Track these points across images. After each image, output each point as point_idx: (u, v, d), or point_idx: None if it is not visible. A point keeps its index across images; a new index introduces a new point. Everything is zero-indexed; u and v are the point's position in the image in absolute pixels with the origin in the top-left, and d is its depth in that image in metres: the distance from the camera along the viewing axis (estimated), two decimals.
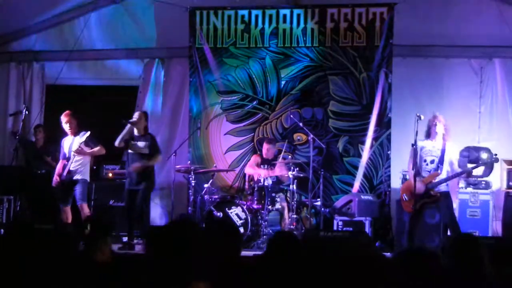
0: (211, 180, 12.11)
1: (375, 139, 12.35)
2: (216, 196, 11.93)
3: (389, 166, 12.32)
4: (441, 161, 9.86)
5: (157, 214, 12.96)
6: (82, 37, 13.10)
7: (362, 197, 11.81)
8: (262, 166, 12.01)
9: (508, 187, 11.38)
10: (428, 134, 9.99)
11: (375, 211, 11.87)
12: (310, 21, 12.69)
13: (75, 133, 11.21)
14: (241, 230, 11.11)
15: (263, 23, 12.88)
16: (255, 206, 11.49)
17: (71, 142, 11.18)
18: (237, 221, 11.23)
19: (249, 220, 11.19)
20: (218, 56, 13.03)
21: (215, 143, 13.08)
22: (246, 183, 12.50)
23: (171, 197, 12.09)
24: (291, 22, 12.79)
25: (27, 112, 12.39)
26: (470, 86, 12.37)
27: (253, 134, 12.95)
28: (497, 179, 11.59)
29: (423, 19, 12.47)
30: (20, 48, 14.14)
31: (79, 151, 11.08)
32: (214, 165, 12.71)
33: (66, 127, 11.23)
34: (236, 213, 11.35)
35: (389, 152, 12.32)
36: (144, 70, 13.69)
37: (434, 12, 12.46)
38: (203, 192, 11.91)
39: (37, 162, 12.84)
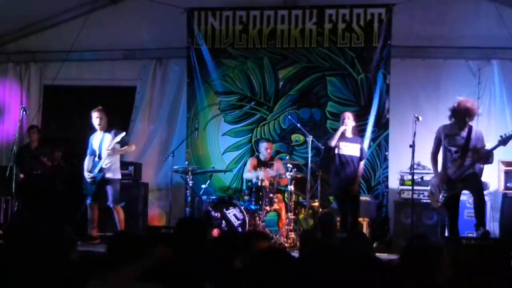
0: (208, 181, 12.10)
1: (373, 140, 12.35)
2: (214, 197, 11.93)
3: (387, 167, 12.32)
4: (465, 149, 9.66)
5: (155, 215, 12.95)
6: (80, 38, 13.06)
7: (360, 197, 11.79)
8: (258, 168, 12.04)
9: (506, 188, 11.37)
10: (454, 119, 9.77)
11: (372, 212, 11.88)
12: (308, 22, 12.69)
13: (105, 130, 11.23)
14: (239, 230, 11.11)
15: (261, 24, 12.87)
16: (252, 207, 11.48)
17: (101, 139, 11.17)
18: (235, 221, 11.23)
19: (247, 220, 11.18)
20: (216, 56, 13.03)
21: (213, 144, 13.07)
22: (244, 184, 12.50)
23: (168, 198, 12.10)
24: (289, 23, 12.77)
25: (25, 113, 12.37)
26: (468, 88, 12.34)
27: (251, 135, 12.94)
28: (494, 180, 11.58)
29: (421, 20, 12.49)
30: (18, 49, 14.14)
31: (113, 151, 11.09)
32: (212, 165, 12.71)
33: (96, 122, 11.26)
34: (233, 213, 11.34)
35: (387, 153, 12.32)
36: (142, 70, 13.68)
37: (432, 13, 12.47)
38: (201, 192, 11.91)
39: (33, 163, 12.78)
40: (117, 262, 4.29)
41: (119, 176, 11.35)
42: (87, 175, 11.18)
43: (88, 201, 11.25)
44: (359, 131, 11.50)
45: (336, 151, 10.79)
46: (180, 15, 13.02)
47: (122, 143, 11.19)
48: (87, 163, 11.34)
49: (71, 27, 13.44)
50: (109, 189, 11.11)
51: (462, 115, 9.68)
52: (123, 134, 11.11)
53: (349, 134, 10.89)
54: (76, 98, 14.04)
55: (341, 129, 10.78)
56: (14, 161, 11.85)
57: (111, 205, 11.09)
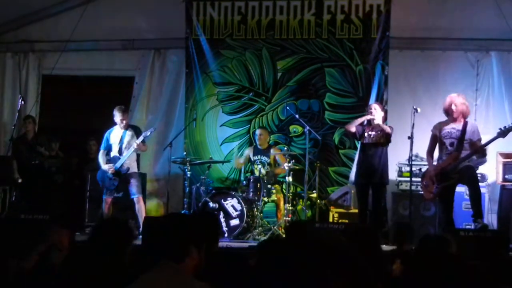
0: (206, 172, 12.10)
1: None
2: (212, 188, 11.93)
3: None
4: (460, 142, 9.66)
5: (152, 205, 12.94)
6: (78, 28, 13.03)
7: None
8: (255, 156, 12.08)
9: (504, 180, 11.37)
10: (447, 115, 9.87)
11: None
12: (307, 13, 12.67)
13: (127, 127, 11.38)
14: (237, 221, 11.13)
15: (260, 14, 12.86)
16: (250, 198, 11.49)
17: (122, 136, 11.30)
18: (233, 212, 11.23)
19: (245, 211, 11.17)
20: (215, 47, 13.01)
21: (211, 134, 13.07)
22: (242, 175, 12.51)
23: (166, 188, 12.10)
24: (288, 14, 12.75)
25: (23, 103, 12.36)
26: (467, 79, 12.37)
27: (249, 125, 12.93)
28: (492, 172, 11.59)
29: (420, 11, 12.48)
30: (17, 39, 14.11)
31: (139, 147, 11.28)
32: (210, 156, 12.71)
33: (119, 121, 11.35)
34: (231, 204, 11.34)
35: None
36: (140, 61, 13.66)
37: (431, 5, 12.45)
38: (199, 183, 11.91)
39: (30, 153, 12.72)
40: None
41: (137, 169, 11.61)
42: (107, 167, 11.24)
43: (104, 196, 11.32)
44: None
45: (361, 140, 10.77)
46: (179, 5, 12.99)
47: (143, 141, 11.31)
48: (101, 157, 11.41)
49: (70, 17, 13.41)
50: (133, 181, 11.28)
51: (447, 108, 9.78)
52: (148, 133, 11.31)
53: (378, 123, 10.79)
54: (74, 88, 14.02)
55: (364, 118, 10.70)
56: (12, 151, 11.89)
57: (136, 196, 11.23)
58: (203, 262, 3.99)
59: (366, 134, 10.65)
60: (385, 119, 11.09)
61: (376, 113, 10.71)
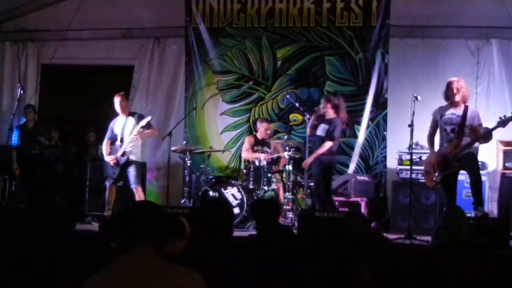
0: (206, 161, 12.09)
1: (371, 119, 12.32)
2: (212, 177, 11.93)
3: (385, 147, 12.30)
4: (461, 128, 9.56)
5: (152, 194, 12.95)
6: (77, 17, 12.99)
7: (358, 177, 11.81)
8: (256, 147, 12.05)
9: (504, 168, 11.36)
10: (447, 100, 9.80)
11: (371, 191, 11.87)
12: (307, 1, 12.63)
13: (128, 114, 11.32)
14: (237, 210, 11.13)
15: (260, 2, 12.82)
16: (251, 187, 11.48)
17: (124, 123, 11.25)
18: (233, 201, 11.22)
19: (245, 200, 11.18)
20: (214, 36, 12.98)
21: (211, 123, 13.06)
22: (242, 164, 12.50)
23: (166, 178, 12.10)
24: (288, 2, 12.71)
25: (22, 92, 12.34)
26: (467, 67, 12.31)
27: (249, 114, 12.92)
28: (493, 160, 11.58)
29: None
30: (15, 28, 14.08)
31: (140, 135, 11.21)
32: (210, 145, 12.70)
33: (118, 108, 11.29)
34: (231, 193, 11.35)
35: (385, 133, 12.30)
36: (140, 49, 13.63)
37: None
38: (199, 172, 11.90)
39: (30, 143, 12.72)
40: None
41: (139, 159, 11.45)
42: (108, 158, 11.23)
43: (107, 184, 11.31)
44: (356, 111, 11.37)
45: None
46: None
47: (147, 126, 11.24)
48: (105, 147, 11.40)
49: (69, 6, 13.34)
50: (131, 170, 11.17)
51: (447, 93, 9.72)
52: (149, 118, 11.18)
53: (329, 115, 10.93)
54: (73, 77, 13.99)
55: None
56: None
57: (133, 186, 11.15)
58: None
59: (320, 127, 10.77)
60: (335, 112, 11.01)
61: (325, 111, 10.92)
